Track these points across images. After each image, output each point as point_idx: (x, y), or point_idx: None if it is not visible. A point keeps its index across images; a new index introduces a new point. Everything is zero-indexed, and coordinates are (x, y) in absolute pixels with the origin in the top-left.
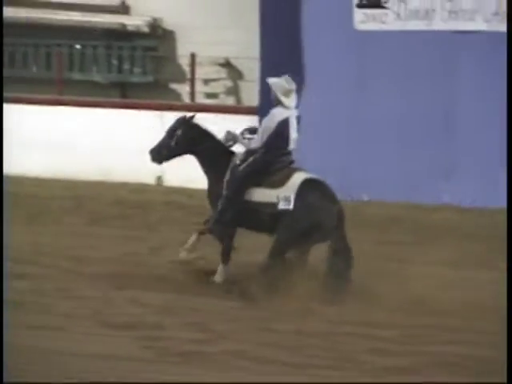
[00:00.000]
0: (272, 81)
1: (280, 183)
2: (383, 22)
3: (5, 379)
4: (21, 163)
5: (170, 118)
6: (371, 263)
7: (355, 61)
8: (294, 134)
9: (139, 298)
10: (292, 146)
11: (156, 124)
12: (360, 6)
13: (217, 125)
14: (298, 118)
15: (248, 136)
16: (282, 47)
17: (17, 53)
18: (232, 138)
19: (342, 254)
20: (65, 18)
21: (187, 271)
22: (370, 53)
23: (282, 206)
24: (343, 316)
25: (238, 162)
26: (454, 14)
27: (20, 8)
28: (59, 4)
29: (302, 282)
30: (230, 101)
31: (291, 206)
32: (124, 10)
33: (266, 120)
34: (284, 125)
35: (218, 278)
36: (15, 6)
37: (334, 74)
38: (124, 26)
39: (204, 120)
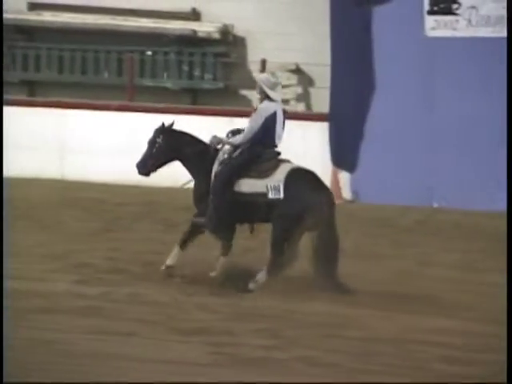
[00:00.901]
0: (258, 76)
1: (268, 173)
2: (454, 29)
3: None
4: (92, 169)
5: (240, 124)
6: (438, 271)
7: (426, 67)
8: (279, 128)
9: (209, 303)
10: (278, 140)
11: (226, 130)
12: (431, 12)
13: (287, 131)
14: (285, 112)
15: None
16: (353, 53)
17: (88, 59)
18: (218, 141)
19: (330, 242)
20: (136, 24)
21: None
22: (440, 59)
23: (272, 195)
24: (414, 323)
25: (225, 156)
26: None
27: (91, 15)
28: (131, 11)
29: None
30: (300, 107)
31: (281, 195)
32: (195, 16)
33: (254, 115)
34: (271, 120)
35: (170, 261)
36: (86, 12)
37: (404, 80)
38: (195, 32)
39: None
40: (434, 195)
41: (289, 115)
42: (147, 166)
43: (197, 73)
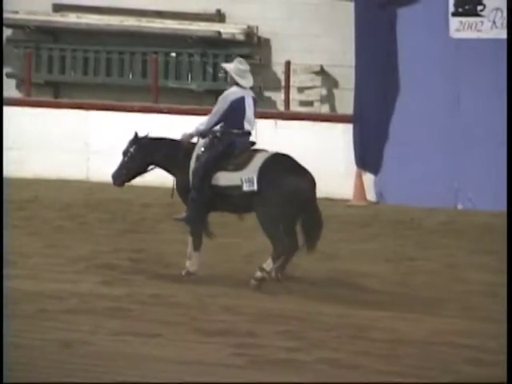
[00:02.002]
0: (225, 65)
1: (243, 165)
2: (479, 30)
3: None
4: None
5: (264, 125)
6: (466, 273)
7: (450, 69)
8: (249, 112)
9: (233, 305)
10: (249, 126)
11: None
12: (455, 14)
13: (311, 132)
14: (255, 100)
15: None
16: (377, 55)
17: (113, 60)
18: (188, 136)
19: (313, 225)
20: (161, 26)
21: (279, 279)
22: (465, 61)
23: (246, 187)
24: (441, 325)
25: (202, 149)
26: None
27: (116, 16)
28: (155, 12)
29: None
30: (324, 109)
31: (255, 187)
32: (219, 18)
33: (220, 99)
34: (238, 103)
35: (192, 267)
36: (110, 14)
37: (429, 81)
38: (219, 33)
39: (298, 128)
40: (459, 197)
41: (313, 117)
42: (121, 176)
43: (221, 74)
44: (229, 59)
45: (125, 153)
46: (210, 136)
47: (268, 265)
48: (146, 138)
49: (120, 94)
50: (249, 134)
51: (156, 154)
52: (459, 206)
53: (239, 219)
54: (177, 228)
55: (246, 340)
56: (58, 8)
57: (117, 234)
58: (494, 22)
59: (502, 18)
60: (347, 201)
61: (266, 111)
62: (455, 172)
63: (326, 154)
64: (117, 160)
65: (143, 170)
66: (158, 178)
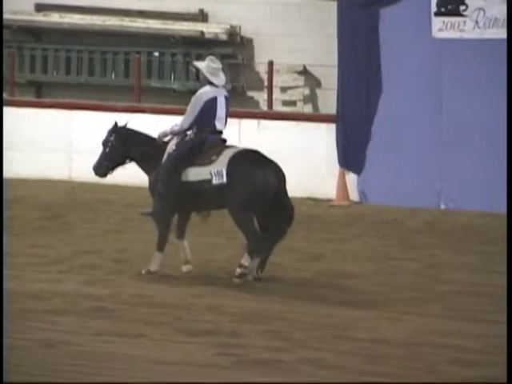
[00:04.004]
0: (197, 64)
1: (212, 160)
2: (461, 30)
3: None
4: None
5: (248, 125)
6: (449, 273)
7: (433, 69)
8: (221, 112)
9: (217, 305)
10: (220, 125)
11: (233, 131)
12: (438, 14)
13: (294, 132)
14: (227, 99)
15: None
16: (360, 55)
17: (95, 60)
18: (163, 134)
19: (283, 212)
20: (143, 25)
21: (264, 279)
22: (447, 61)
23: (215, 181)
24: (425, 325)
25: (173, 147)
26: None
27: (98, 16)
28: (138, 12)
29: None
30: (307, 108)
31: (224, 180)
32: (202, 17)
33: (193, 99)
34: (211, 103)
35: (153, 266)
36: (93, 14)
37: (412, 81)
38: (202, 33)
39: (281, 128)
40: (442, 197)
41: (296, 116)
42: (103, 166)
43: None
44: None
45: (105, 143)
46: (182, 134)
47: (246, 260)
48: (125, 128)
49: (103, 94)
50: (220, 132)
51: (132, 149)
52: (442, 206)
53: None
54: None
55: (230, 340)
56: (40, 8)
57: (100, 234)
58: (477, 22)
59: (484, 18)
60: (330, 201)
61: (249, 111)
62: (438, 172)
63: (308, 153)
64: None
65: (123, 161)
66: (141, 178)
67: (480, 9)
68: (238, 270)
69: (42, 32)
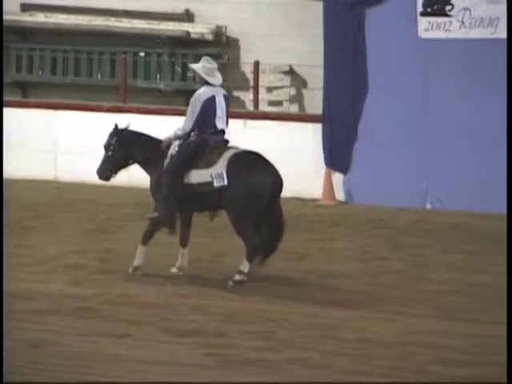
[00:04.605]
0: (193, 65)
1: (213, 162)
2: (447, 30)
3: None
4: (84, 170)
5: (234, 125)
6: (435, 272)
7: (419, 69)
8: (220, 111)
9: (203, 305)
10: (221, 124)
11: None
12: (424, 14)
13: (280, 132)
14: (226, 97)
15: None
16: (346, 55)
17: (81, 60)
18: (168, 139)
19: (274, 224)
20: (129, 25)
21: (251, 279)
22: (433, 61)
23: (216, 183)
24: (411, 325)
25: (176, 148)
26: None
27: (84, 16)
28: (124, 12)
29: None
30: (293, 108)
31: (225, 182)
32: (188, 17)
33: (192, 101)
34: (210, 102)
35: (136, 261)
36: (79, 13)
37: (398, 81)
38: (188, 33)
39: (267, 128)
40: (428, 196)
41: (282, 116)
42: (106, 170)
43: (190, 74)
44: (197, 59)
45: (107, 146)
46: (184, 136)
47: (245, 266)
48: (127, 130)
49: (88, 94)
50: (222, 132)
51: (135, 150)
52: (428, 206)
53: (210, 219)
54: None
55: (217, 340)
56: (26, 7)
57: (85, 234)
58: (463, 22)
59: (470, 18)
60: (316, 200)
61: (235, 111)
62: (424, 172)
63: (295, 153)
64: (85, 159)
65: (126, 163)
66: (126, 178)
67: (466, 9)
68: (238, 277)
69: (28, 32)
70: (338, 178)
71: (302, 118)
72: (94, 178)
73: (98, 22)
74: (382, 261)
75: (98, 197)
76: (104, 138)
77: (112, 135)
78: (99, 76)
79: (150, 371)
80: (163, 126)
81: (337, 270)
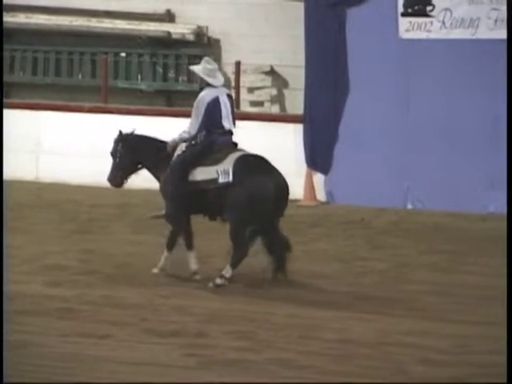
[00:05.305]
0: (193, 67)
1: (220, 159)
2: (428, 31)
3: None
4: (65, 171)
5: None
6: (416, 272)
7: (400, 69)
8: (226, 111)
9: (183, 305)
10: (228, 124)
11: None
12: (405, 14)
13: (262, 133)
14: (230, 97)
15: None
16: (327, 55)
17: (62, 61)
18: (174, 143)
19: (278, 243)
20: (110, 26)
21: (232, 279)
22: (414, 61)
23: (221, 179)
24: (392, 325)
25: (183, 149)
26: (499, 22)
27: (65, 16)
28: (105, 12)
29: None
30: (275, 109)
31: (230, 179)
32: (169, 18)
33: (196, 104)
34: (214, 103)
35: (159, 264)
36: (60, 14)
37: (379, 81)
38: (169, 34)
39: (249, 128)
40: (408, 197)
41: (263, 117)
42: (117, 177)
43: (171, 74)
44: (179, 59)
45: (114, 153)
46: (190, 139)
47: (227, 272)
48: (132, 135)
49: (70, 95)
50: (230, 133)
51: (141, 154)
52: (409, 206)
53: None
54: (127, 229)
55: (197, 340)
56: (7, 8)
57: (67, 234)
58: (444, 23)
59: (451, 19)
60: (297, 201)
61: None
62: (405, 172)
63: (276, 153)
64: (66, 160)
65: (135, 168)
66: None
67: (447, 9)
68: (219, 281)
69: (9, 32)
70: (319, 178)
71: (283, 118)
72: (76, 179)
73: (79, 22)
74: (363, 261)
75: (79, 197)
76: (86, 138)
77: (117, 141)
78: (80, 76)
79: (130, 372)
80: (144, 127)
81: (318, 270)
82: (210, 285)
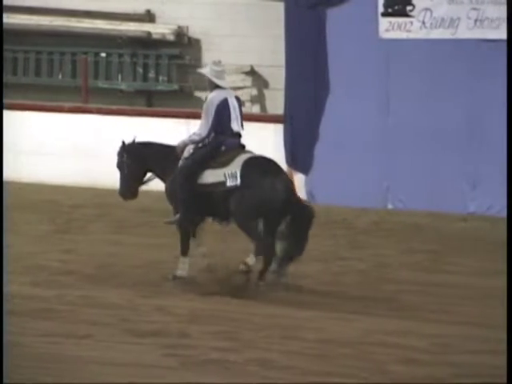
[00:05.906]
0: (201, 70)
1: (228, 162)
2: (408, 31)
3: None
4: (45, 171)
5: (196, 125)
6: (397, 272)
7: (380, 69)
8: (234, 113)
9: (164, 305)
10: (236, 126)
11: (181, 132)
12: (385, 14)
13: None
14: (238, 99)
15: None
16: (307, 55)
17: (42, 61)
18: (183, 145)
19: (300, 217)
20: (90, 26)
21: (213, 279)
22: (394, 61)
23: (229, 183)
24: (373, 325)
25: (190, 151)
26: (479, 22)
27: (45, 16)
28: (85, 12)
29: None
30: (255, 109)
31: (238, 182)
32: (149, 18)
33: (205, 106)
34: (223, 105)
35: (178, 272)
36: (40, 14)
37: (359, 82)
38: (149, 34)
39: None
40: (389, 197)
41: (244, 117)
42: (128, 189)
43: (151, 75)
44: (159, 59)
45: (120, 165)
46: (200, 141)
47: (251, 259)
48: (135, 144)
49: (50, 95)
50: (238, 135)
51: (149, 161)
52: (389, 206)
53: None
54: (107, 229)
55: (178, 341)
56: None
57: (46, 234)
58: (424, 23)
59: (431, 19)
60: None
61: (197, 111)
62: (385, 172)
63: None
64: (46, 160)
65: (144, 177)
66: (87, 178)
67: (427, 9)
68: (242, 267)
69: None
70: (299, 178)
71: (264, 118)
72: (56, 179)
73: (59, 22)
74: (344, 261)
75: (59, 197)
76: (66, 139)
77: (121, 153)
78: (60, 76)
79: (110, 372)
80: (125, 127)
81: (298, 270)
82: (241, 267)
